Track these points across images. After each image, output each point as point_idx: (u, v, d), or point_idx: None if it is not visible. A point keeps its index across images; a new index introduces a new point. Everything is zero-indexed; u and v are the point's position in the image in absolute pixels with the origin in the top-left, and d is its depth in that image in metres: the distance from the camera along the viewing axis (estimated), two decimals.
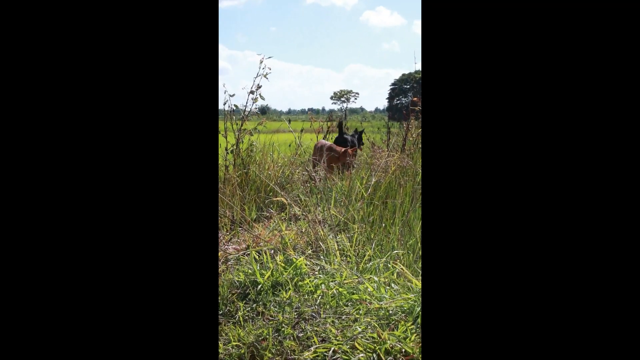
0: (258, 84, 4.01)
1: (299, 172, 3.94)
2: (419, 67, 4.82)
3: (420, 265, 2.03)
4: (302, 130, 5.48)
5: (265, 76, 4.01)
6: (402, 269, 1.84)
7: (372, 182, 2.80)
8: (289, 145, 5.08)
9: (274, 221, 2.63)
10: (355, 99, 67.46)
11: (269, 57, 4.04)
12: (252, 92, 4.01)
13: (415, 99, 4.59)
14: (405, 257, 2.14)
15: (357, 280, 1.80)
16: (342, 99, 66.43)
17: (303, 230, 2.37)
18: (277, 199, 2.78)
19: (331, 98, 67.37)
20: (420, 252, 2.13)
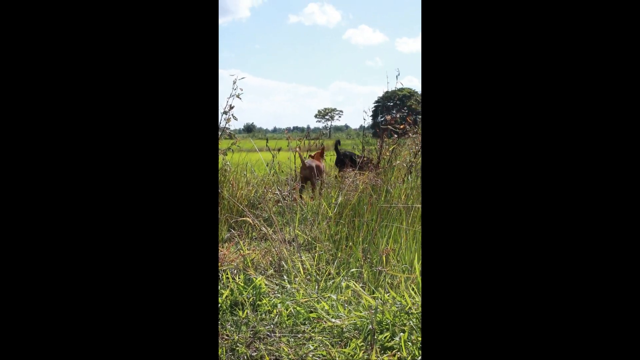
0: (230, 105, 4.08)
1: (272, 192, 3.98)
2: (403, 84, 4.89)
3: (382, 281, 2.08)
4: (279, 150, 5.53)
5: (238, 96, 4.09)
6: (355, 286, 1.88)
7: (339, 201, 2.85)
8: (267, 165, 5.13)
9: (239, 241, 2.66)
10: (340, 116, 68.03)
11: (242, 78, 4.12)
12: (225, 113, 4.08)
13: (389, 117, 4.69)
14: (367, 275, 2.19)
15: (316, 298, 1.84)
16: (327, 117, 66.84)
17: (267, 250, 2.40)
18: (242, 218, 2.82)
19: (315, 116, 67.78)
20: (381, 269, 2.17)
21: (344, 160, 5.04)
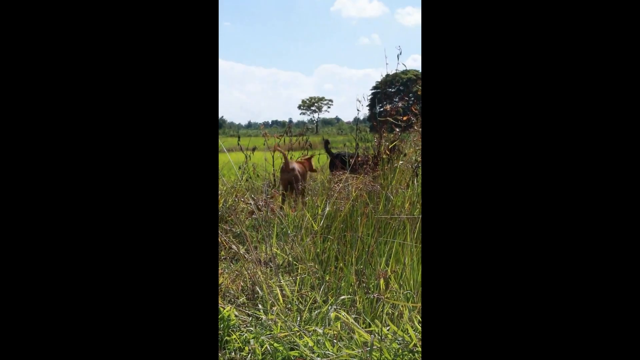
0: None
1: (245, 201, 3.97)
2: (406, 65, 4.89)
3: (380, 311, 2.08)
4: (253, 149, 5.52)
5: None
6: (346, 318, 1.88)
7: (327, 212, 2.86)
8: (239, 168, 5.11)
9: None
10: (329, 107, 68.32)
11: None
12: None
13: (389, 107, 4.70)
14: (361, 303, 2.19)
15: (297, 333, 1.84)
16: (313, 108, 67.08)
17: (238, 273, 2.40)
18: None
19: (299, 107, 68.01)
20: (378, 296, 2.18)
21: (337, 164, 5.03)
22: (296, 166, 4.30)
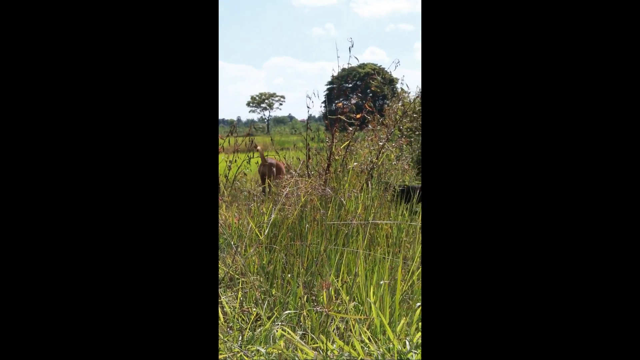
0: None
1: None
2: (357, 58, 4.90)
3: (329, 325, 2.08)
4: None
5: None
6: (291, 335, 1.87)
7: (272, 219, 2.84)
8: None
9: None
10: (281, 104, 68.26)
11: None
12: None
13: (340, 104, 4.72)
14: (310, 318, 2.18)
15: (238, 354, 1.82)
16: (263, 105, 66.92)
17: None
18: None
19: (248, 104, 67.69)
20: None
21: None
22: (274, 162, 4.65)
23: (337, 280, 2.46)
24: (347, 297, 2.29)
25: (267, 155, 5.52)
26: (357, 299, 2.34)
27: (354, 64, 5.14)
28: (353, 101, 5.14)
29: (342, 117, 4.56)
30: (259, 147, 4.86)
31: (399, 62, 5.82)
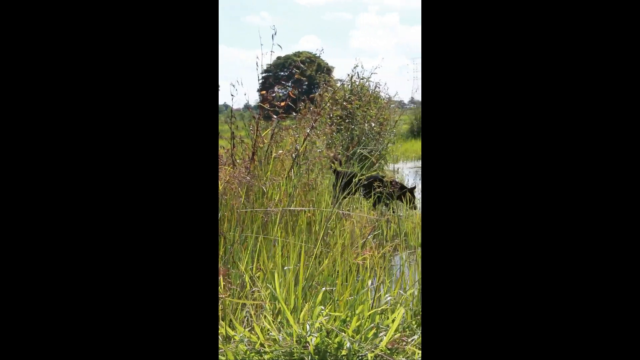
0: None
1: None
2: (280, 46, 4.93)
3: (242, 313, 2.10)
4: None
5: None
6: None
7: None
8: None
9: None
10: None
11: None
12: None
13: (264, 92, 4.73)
14: (224, 304, 2.20)
15: None
16: None
17: None
18: None
19: None
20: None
21: None
22: None
23: (252, 268, 2.48)
24: (262, 284, 2.32)
25: None
26: (274, 286, 2.37)
27: (290, 52, 5.16)
28: (276, 89, 5.15)
29: (265, 106, 4.56)
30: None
31: (322, 50, 5.90)
